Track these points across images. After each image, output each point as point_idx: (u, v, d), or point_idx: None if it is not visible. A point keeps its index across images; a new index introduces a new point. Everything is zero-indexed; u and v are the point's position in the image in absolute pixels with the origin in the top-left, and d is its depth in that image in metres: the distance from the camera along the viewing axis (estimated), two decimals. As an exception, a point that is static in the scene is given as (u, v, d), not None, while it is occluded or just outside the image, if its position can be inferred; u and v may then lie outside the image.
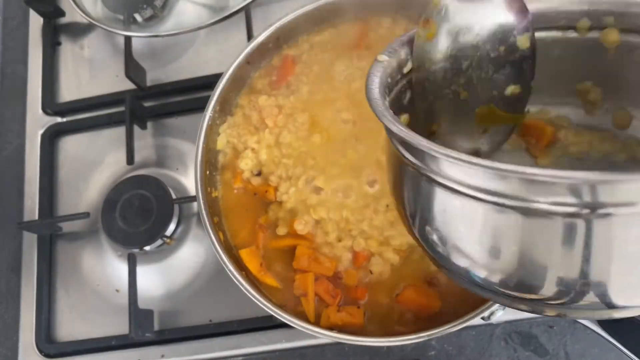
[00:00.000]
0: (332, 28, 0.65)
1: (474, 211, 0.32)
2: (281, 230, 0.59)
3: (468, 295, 0.54)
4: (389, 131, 0.37)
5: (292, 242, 0.58)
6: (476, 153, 0.49)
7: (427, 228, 0.36)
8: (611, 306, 0.32)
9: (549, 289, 0.32)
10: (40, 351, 0.68)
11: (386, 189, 0.57)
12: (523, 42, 0.43)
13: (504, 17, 0.42)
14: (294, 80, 0.64)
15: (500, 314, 0.55)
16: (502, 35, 0.42)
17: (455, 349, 0.63)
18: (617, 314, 0.34)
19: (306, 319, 0.55)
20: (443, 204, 0.34)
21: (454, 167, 0.32)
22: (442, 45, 0.42)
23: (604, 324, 0.50)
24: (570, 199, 0.28)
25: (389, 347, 0.63)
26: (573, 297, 0.32)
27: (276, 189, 0.60)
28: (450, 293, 0.55)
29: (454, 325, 0.51)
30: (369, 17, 0.64)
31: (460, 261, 0.35)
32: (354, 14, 0.64)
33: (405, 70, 0.44)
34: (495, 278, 0.34)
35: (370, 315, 0.56)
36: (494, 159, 0.49)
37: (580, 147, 0.49)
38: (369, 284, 0.56)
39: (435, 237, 0.36)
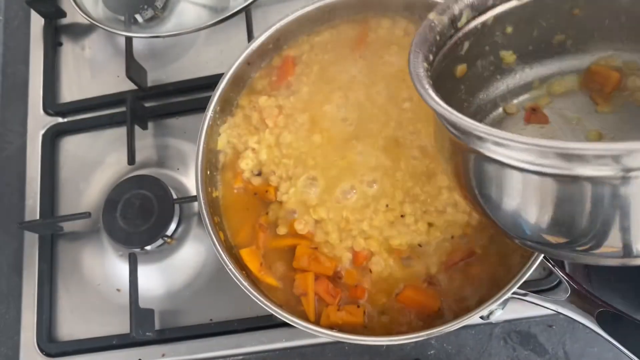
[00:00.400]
0: (332, 29, 0.65)
1: (522, 180, 0.36)
2: (281, 230, 0.59)
3: (467, 294, 0.55)
4: (437, 114, 0.39)
5: (292, 241, 0.58)
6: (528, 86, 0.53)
7: (482, 195, 0.40)
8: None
9: (590, 237, 0.36)
10: (42, 350, 0.68)
11: (386, 189, 0.58)
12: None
13: None
14: (294, 81, 0.64)
15: (499, 313, 0.55)
16: None
17: (454, 348, 0.63)
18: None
19: (306, 318, 0.55)
20: (495, 175, 0.38)
21: (509, 147, 0.35)
22: None
23: (603, 323, 0.50)
24: (607, 167, 0.31)
25: (388, 346, 0.64)
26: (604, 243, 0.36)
27: (276, 189, 0.60)
28: (450, 292, 0.55)
29: (453, 325, 0.51)
30: (368, 18, 0.64)
31: (514, 221, 0.39)
32: (353, 14, 0.64)
33: (460, 24, 0.46)
34: (545, 232, 0.38)
35: (370, 314, 0.56)
36: (555, 104, 0.53)
37: None
38: (369, 284, 0.56)
39: (488, 203, 0.40)
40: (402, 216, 0.56)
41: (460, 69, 0.47)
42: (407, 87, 0.60)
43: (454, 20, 0.45)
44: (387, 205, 0.57)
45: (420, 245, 0.56)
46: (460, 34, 0.46)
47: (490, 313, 0.54)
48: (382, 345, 0.63)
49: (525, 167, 0.35)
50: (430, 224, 0.56)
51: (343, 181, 0.59)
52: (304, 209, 0.59)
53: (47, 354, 0.68)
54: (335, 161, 0.59)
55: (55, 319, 0.71)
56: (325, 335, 0.53)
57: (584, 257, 0.40)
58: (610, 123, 0.51)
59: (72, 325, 0.70)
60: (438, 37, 0.44)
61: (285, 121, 0.62)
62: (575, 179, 0.33)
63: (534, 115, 0.53)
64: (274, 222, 0.60)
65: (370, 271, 0.56)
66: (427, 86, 0.40)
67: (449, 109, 0.37)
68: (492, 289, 0.53)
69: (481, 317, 0.53)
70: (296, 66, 0.64)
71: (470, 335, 0.63)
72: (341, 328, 0.55)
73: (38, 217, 0.74)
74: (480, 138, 0.36)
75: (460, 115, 0.36)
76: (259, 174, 0.61)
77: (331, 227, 0.58)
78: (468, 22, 0.46)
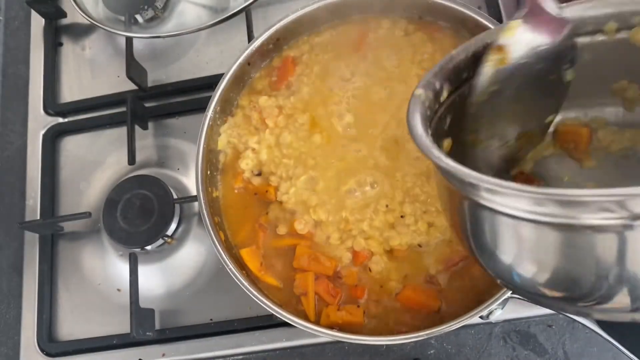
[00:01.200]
0: (332, 29, 0.65)
1: (524, 230, 0.34)
2: (281, 230, 0.59)
3: (467, 294, 0.55)
4: (438, 166, 0.38)
5: (292, 241, 0.58)
6: (513, 160, 0.52)
7: (477, 245, 0.39)
8: None
9: (594, 292, 0.34)
10: (42, 350, 0.68)
11: (386, 189, 0.58)
12: (570, 75, 0.46)
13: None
14: (294, 81, 0.64)
15: (499, 313, 0.55)
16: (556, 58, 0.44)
17: (454, 347, 0.63)
18: None
19: (306, 318, 0.55)
20: (496, 225, 0.36)
21: (506, 195, 0.33)
22: (512, 69, 0.44)
23: (603, 323, 0.50)
24: (611, 214, 0.30)
25: (388, 346, 0.64)
26: (609, 297, 0.34)
27: (276, 189, 0.60)
28: (449, 292, 0.55)
29: (453, 324, 0.51)
30: (368, 18, 0.64)
31: (509, 272, 0.37)
32: (353, 15, 0.64)
33: (442, 98, 0.45)
34: (542, 285, 0.36)
35: (369, 314, 0.56)
36: (539, 168, 0.53)
37: (622, 145, 0.50)
38: (369, 283, 0.57)
39: (484, 252, 0.39)
40: (402, 216, 0.57)
41: (446, 144, 0.46)
42: (407, 87, 0.60)
43: (437, 95, 0.45)
44: (387, 206, 0.57)
45: (420, 246, 0.56)
46: (442, 108, 0.46)
47: (490, 313, 0.54)
48: (382, 345, 0.64)
49: (521, 216, 0.33)
50: (430, 224, 0.56)
51: (343, 181, 0.59)
52: (304, 209, 0.59)
53: (48, 354, 0.68)
54: (335, 161, 0.60)
55: (56, 318, 0.71)
56: (325, 335, 0.53)
57: (588, 312, 0.38)
58: (601, 176, 0.51)
59: (72, 325, 0.70)
60: (428, 112, 0.43)
61: (285, 121, 0.62)
62: (575, 228, 0.31)
63: (523, 178, 0.53)
64: (274, 222, 0.60)
65: (370, 271, 0.56)
66: (422, 133, 0.39)
67: (444, 157, 0.36)
68: (492, 289, 0.53)
69: (481, 317, 0.53)
70: (296, 66, 0.64)
71: (470, 335, 0.64)
72: (341, 328, 0.55)
73: (38, 217, 0.74)
74: (474, 185, 0.35)
75: (454, 163, 0.35)
76: (259, 174, 0.61)
77: (331, 227, 0.58)
78: (449, 95, 0.45)
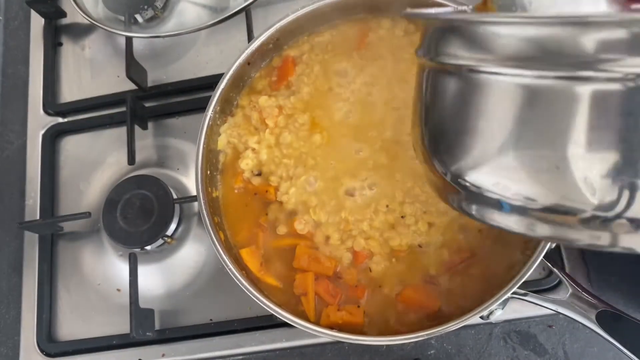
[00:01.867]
0: (332, 29, 0.65)
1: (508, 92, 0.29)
2: (281, 230, 0.59)
3: (467, 294, 0.55)
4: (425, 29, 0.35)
5: (292, 241, 0.58)
6: None
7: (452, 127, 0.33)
8: None
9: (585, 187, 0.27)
10: (42, 350, 0.68)
11: (386, 190, 0.58)
12: None
13: None
14: (295, 81, 0.64)
15: (500, 313, 0.55)
16: None
17: (454, 348, 0.63)
18: None
19: (306, 318, 0.55)
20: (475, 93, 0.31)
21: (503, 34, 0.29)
22: None
23: (603, 323, 0.50)
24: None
25: (388, 346, 0.64)
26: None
27: (276, 189, 0.60)
28: (450, 292, 0.55)
29: (453, 325, 0.51)
30: (368, 18, 0.64)
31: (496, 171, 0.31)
32: (354, 14, 0.64)
33: None
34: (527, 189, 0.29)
35: (370, 314, 0.56)
36: None
37: None
38: (369, 284, 0.56)
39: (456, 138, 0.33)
40: (402, 217, 0.57)
41: None
42: (407, 87, 0.60)
43: None
44: (387, 206, 0.57)
45: (420, 246, 0.56)
46: None
47: (490, 313, 0.54)
48: (382, 345, 0.63)
49: (507, 72, 0.28)
50: (430, 224, 0.56)
51: (343, 181, 0.59)
52: (304, 209, 0.59)
53: (47, 354, 0.68)
54: (335, 161, 0.60)
55: (55, 319, 0.71)
56: (325, 335, 0.53)
57: (564, 230, 0.30)
58: None
59: (72, 325, 0.70)
60: None
61: (285, 121, 0.62)
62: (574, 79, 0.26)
63: None
64: (274, 222, 0.60)
65: (371, 271, 0.56)
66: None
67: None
68: (492, 289, 0.53)
69: (481, 317, 0.53)
70: (296, 66, 0.64)
71: (470, 335, 0.63)
72: (341, 328, 0.55)
73: (38, 217, 0.74)
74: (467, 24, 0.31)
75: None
76: (259, 174, 0.61)
77: (331, 228, 0.58)
78: None
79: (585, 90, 0.26)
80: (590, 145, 0.26)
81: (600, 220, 0.28)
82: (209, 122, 0.61)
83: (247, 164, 0.61)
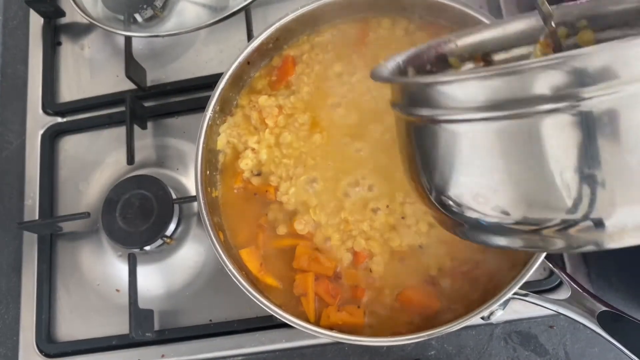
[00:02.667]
0: (332, 28, 0.65)
1: (477, 135, 0.34)
2: (281, 230, 0.59)
3: (468, 295, 0.55)
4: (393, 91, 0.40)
5: (292, 242, 0.58)
6: None
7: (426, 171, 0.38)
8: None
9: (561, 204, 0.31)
10: (41, 351, 0.68)
11: (386, 190, 0.58)
12: None
13: None
14: (295, 81, 0.64)
15: (500, 313, 0.55)
16: None
17: (455, 348, 0.63)
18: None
19: (306, 319, 0.55)
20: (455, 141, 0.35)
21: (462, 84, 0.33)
22: None
23: (604, 324, 0.50)
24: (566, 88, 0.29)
25: (389, 347, 0.63)
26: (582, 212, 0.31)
27: (276, 189, 0.60)
28: (450, 293, 0.55)
29: (454, 325, 0.51)
30: (369, 18, 0.64)
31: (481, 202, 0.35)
32: (354, 14, 0.64)
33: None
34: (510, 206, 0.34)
35: (370, 315, 0.56)
36: None
37: None
38: (369, 284, 0.56)
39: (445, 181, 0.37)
40: (402, 218, 0.56)
41: None
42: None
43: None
44: (387, 206, 0.57)
45: (421, 247, 0.56)
46: None
47: (491, 313, 0.54)
48: (383, 346, 0.63)
49: (471, 117, 0.33)
50: (431, 225, 0.56)
51: (343, 181, 0.59)
52: (304, 209, 0.59)
53: (46, 355, 0.68)
54: (335, 161, 0.59)
55: (55, 319, 0.71)
56: (325, 336, 0.53)
57: (552, 241, 0.34)
58: None
59: (71, 325, 0.70)
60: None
61: (285, 121, 0.62)
62: (527, 115, 0.30)
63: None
64: (273, 222, 0.60)
65: (371, 271, 0.56)
66: (381, 70, 0.41)
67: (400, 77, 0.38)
68: (492, 290, 0.52)
69: (482, 318, 0.53)
70: (296, 66, 0.64)
71: (470, 336, 0.63)
72: (341, 329, 0.55)
73: (37, 217, 0.74)
74: (428, 90, 0.35)
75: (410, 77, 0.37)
76: (259, 174, 0.61)
77: (331, 228, 0.58)
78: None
79: (539, 122, 0.31)
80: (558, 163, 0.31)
81: (568, 224, 0.33)
82: (208, 122, 0.61)
83: (246, 164, 0.61)
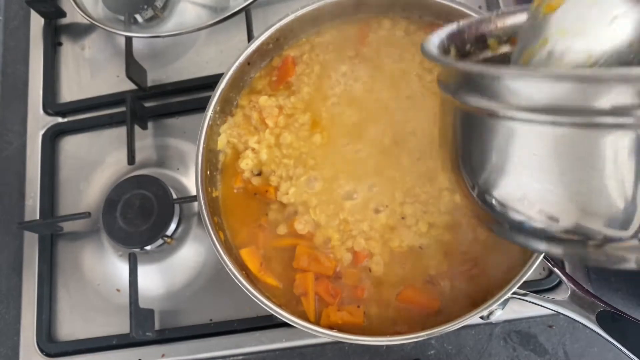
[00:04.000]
0: (332, 29, 0.65)
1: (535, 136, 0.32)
2: (281, 230, 0.59)
3: (467, 294, 0.55)
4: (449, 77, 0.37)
5: (292, 241, 0.58)
6: None
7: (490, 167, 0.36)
8: None
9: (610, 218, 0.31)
10: (41, 350, 0.68)
11: (386, 190, 0.58)
12: None
13: None
14: (295, 81, 0.64)
15: (500, 313, 0.55)
16: None
17: (454, 348, 0.63)
18: None
19: (306, 318, 0.55)
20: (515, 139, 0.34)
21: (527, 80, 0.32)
22: None
23: (604, 323, 0.50)
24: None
25: (388, 346, 0.64)
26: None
27: (276, 189, 0.60)
28: (450, 293, 0.55)
29: (454, 325, 0.51)
30: (369, 19, 0.64)
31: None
32: (354, 15, 0.64)
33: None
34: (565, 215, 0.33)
35: (370, 314, 0.56)
36: None
37: None
38: (369, 284, 0.56)
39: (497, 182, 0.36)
40: (402, 218, 0.56)
41: None
42: (407, 87, 0.60)
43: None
44: (387, 206, 0.57)
45: (421, 247, 0.56)
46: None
47: (491, 313, 0.54)
48: (382, 345, 0.63)
49: (535, 118, 0.31)
50: (430, 225, 0.56)
51: (343, 181, 0.59)
52: (304, 209, 0.59)
53: (47, 354, 0.68)
54: (335, 161, 0.59)
55: (55, 319, 0.71)
56: (325, 336, 0.53)
57: (601, 254, 0.34)
58: None
59: (71, 325, 0.70)
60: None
61: (285, 121, 0.62)
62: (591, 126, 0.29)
63: None
64: (274, 222, 0.60)
65: (371, 271, 0.56)
66: (432, 46, 0.38)
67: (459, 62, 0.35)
68: (492, 289, 0.53)
69: (481, 317, 0.53)
70: (297, 66, 0.64)
71: (470, 335, 0.63)
72: (341, 328, 0.55)
73: (38, 217, 0.74)
74: (489, 80, 0.33)
75: (473, 64, 0.35)
76: (259, 174, 0.61)
77: (331, 228, 0.58)
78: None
79: (606, 136, 0.29)
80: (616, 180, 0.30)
81: (615, 240, 0.32)
82: (208, 122, 0.61)
83: (247, 164, 0.61)
